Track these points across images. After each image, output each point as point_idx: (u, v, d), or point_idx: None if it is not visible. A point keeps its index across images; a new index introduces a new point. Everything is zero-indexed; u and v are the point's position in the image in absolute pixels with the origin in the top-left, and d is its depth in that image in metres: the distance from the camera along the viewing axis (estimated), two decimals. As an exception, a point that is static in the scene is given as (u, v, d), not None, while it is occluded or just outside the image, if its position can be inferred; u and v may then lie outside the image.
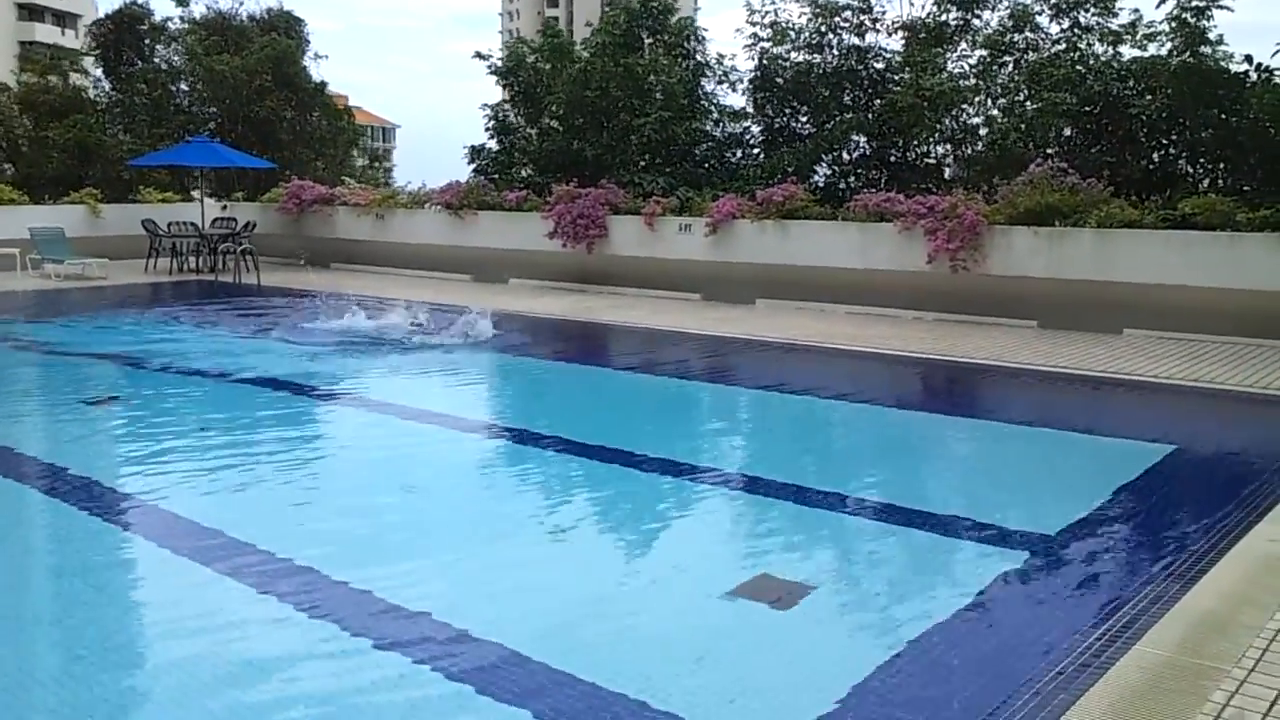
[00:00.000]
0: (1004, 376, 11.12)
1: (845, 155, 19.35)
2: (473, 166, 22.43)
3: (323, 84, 29.66)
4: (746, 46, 19.35)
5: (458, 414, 9.85)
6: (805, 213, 16.02)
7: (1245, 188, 14.43)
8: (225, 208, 24.11)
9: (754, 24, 19.33)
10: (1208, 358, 11.47)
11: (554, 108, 21.18)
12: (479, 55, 21.92)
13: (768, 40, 19.17)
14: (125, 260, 20.90)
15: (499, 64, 21.85)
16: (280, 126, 28.00)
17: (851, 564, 5.95)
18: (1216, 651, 4.29)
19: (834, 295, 15.51)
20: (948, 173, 18.98)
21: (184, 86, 28.48)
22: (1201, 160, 15.74)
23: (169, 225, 20.97)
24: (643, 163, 19.82)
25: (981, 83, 17.62)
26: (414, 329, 13.34)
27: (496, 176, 21.96)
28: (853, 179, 18.85)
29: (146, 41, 28.20)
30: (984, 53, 17.98)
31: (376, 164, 36.22)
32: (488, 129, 22.33)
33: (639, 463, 7.82)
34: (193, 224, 21.31)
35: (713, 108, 20.71)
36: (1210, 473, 7.86)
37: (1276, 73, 13.91)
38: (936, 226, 14.18)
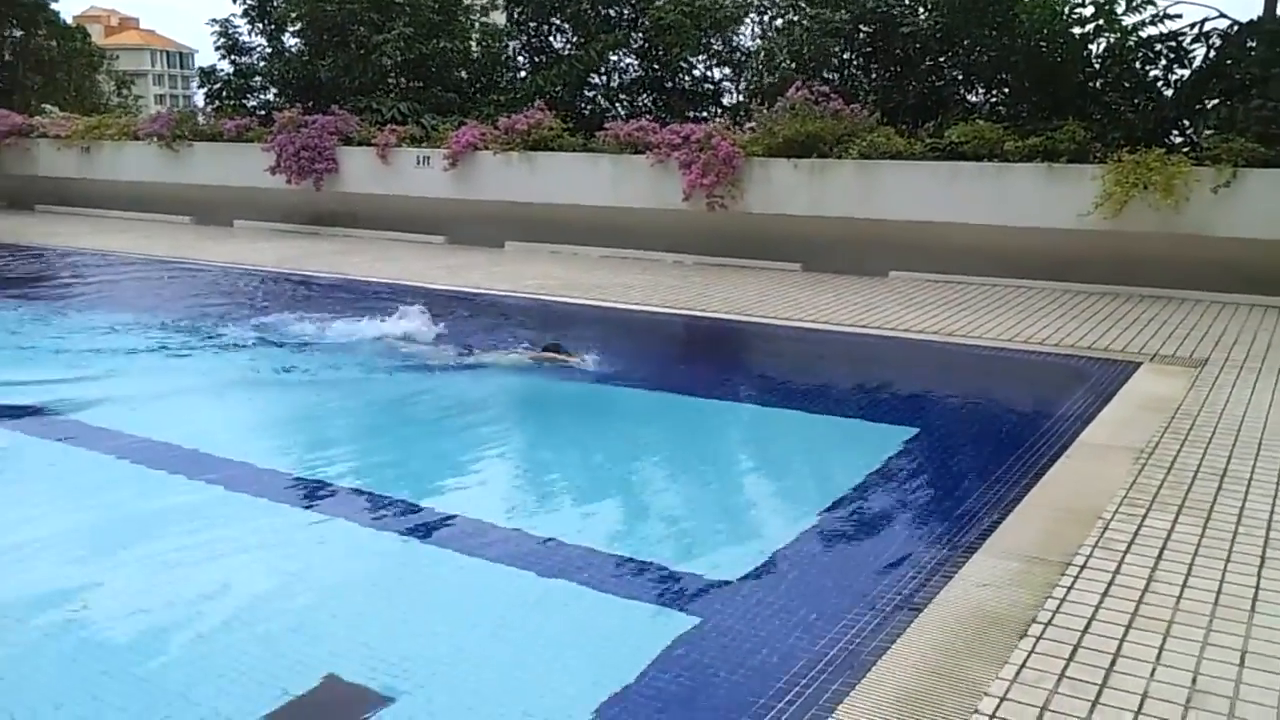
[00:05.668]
0: (746, 335, 9.65)
1: (618, 79, 17.56)
2: (204, 91, 19.61)
3: (45, -2, 26.04)
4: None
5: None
6: (556, 143, 14.16)
7: (1022, 113, 13.37)
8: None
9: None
10: (970, 304, 10.31)
11: (292, 23, 18.57)
12: (202, -39, 19.01)
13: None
14: None
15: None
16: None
17: (450, 651, 4.16)
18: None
19: (589, 236, 13.82)
20: (726, 100, 17.49)
21: None
22: (978, 84, 14.60)
23: None
24: (391, 87, 17.52)
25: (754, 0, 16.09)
26: None
27: (231, 103, 19.28)
28: (620, 105, 17.07)
29: None
30: (758, -36, 16.45)
31: (126, 91, 32.22)
32: (218, 48, 19.46)
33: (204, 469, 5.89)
34: None
35: (472, 25, 18.50)
36: (943, 469, 6.47)
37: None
38: (691, 159, 12.57)
